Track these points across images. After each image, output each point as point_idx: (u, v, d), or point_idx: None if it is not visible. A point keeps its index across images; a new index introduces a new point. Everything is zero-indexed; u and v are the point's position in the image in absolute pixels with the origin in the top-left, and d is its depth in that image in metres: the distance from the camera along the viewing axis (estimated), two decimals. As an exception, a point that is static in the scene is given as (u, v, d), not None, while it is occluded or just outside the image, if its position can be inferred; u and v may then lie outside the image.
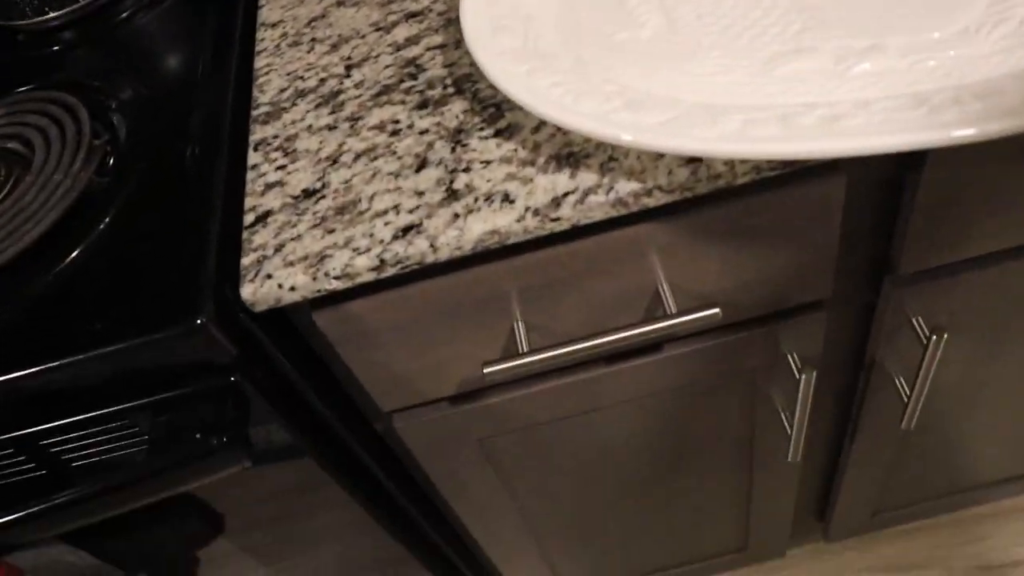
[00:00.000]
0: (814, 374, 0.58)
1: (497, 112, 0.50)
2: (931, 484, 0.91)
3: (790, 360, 0.62)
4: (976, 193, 0.51)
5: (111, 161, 0.55)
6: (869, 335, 0.64)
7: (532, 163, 0.47)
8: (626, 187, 0.45)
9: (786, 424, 0.66)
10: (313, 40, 0.60)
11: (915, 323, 0.61)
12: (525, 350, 0.51)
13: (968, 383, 0.73)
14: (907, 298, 0.59)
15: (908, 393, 0.64)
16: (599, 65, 0.49)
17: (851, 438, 0.77)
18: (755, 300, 0.55)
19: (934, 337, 0.58)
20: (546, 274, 0.49)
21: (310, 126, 0.54)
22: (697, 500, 0.81)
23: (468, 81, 0.52)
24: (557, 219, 0.45)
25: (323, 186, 0.50)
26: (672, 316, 0.50)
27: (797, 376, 0.60)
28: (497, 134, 0.49)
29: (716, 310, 0.49)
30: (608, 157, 0.46)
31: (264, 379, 0.51)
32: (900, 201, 0.52)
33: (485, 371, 0.49)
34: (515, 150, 0.48)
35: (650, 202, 0.45)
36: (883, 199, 0.54)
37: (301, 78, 0.57)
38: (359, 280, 0.46)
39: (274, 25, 0.62)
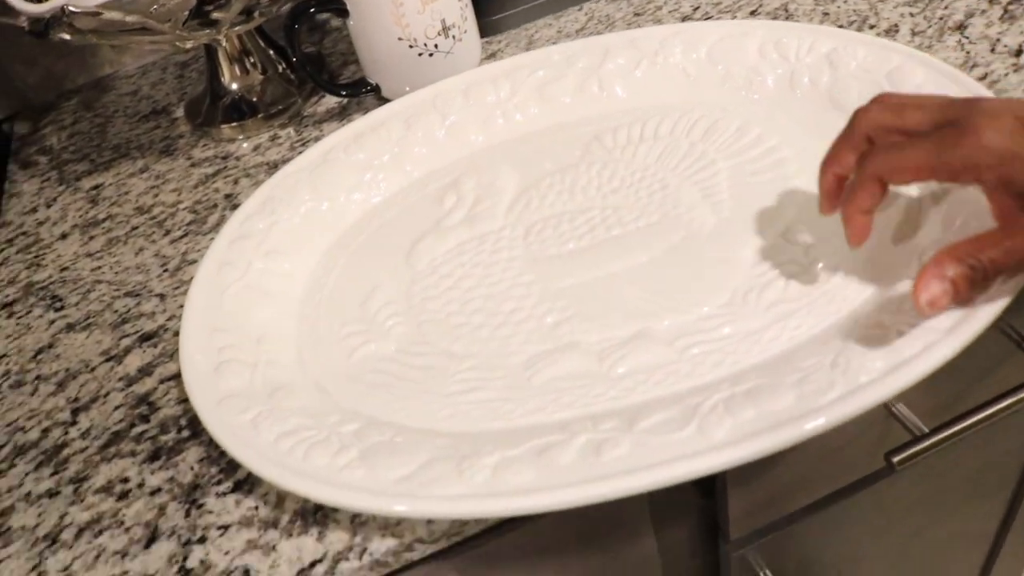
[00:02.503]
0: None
1: (235, 461, 0.43)
2: None
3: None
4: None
5: None
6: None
7: (275, 524, 0.40)
8: (382, 545, 0.38)
9: None
10: (38, 378, 0.52)
11: (762, 577, 0.56)
12: None
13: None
14: (748, 556, 0.54)
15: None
16: (340, 393, 0.43)
17: None
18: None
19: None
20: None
21: (28, 493, 0.45)
22: None
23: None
24: (307, 596, 0.38)
25: (38, 579, 0.41)
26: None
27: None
28: (236, 487, 0.42)
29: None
30: (357, 510, 0.39)
31: None
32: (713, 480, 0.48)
33: None
34: (256, 508, 0.41)
35: (413, 556, 0.39)
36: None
37: (22, 429, 0.49)
38: None
39: (-4, 363, 0.55)
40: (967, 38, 0.58)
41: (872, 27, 0.62)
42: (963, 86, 0.48)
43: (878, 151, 0.37)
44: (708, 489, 0.51)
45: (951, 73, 0.49)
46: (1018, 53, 0.56)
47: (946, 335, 0.36)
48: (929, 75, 0.50)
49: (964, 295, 0.34)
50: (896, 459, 0.46)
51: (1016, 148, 0.33)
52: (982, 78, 0.55)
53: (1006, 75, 0.54)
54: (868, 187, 0.38)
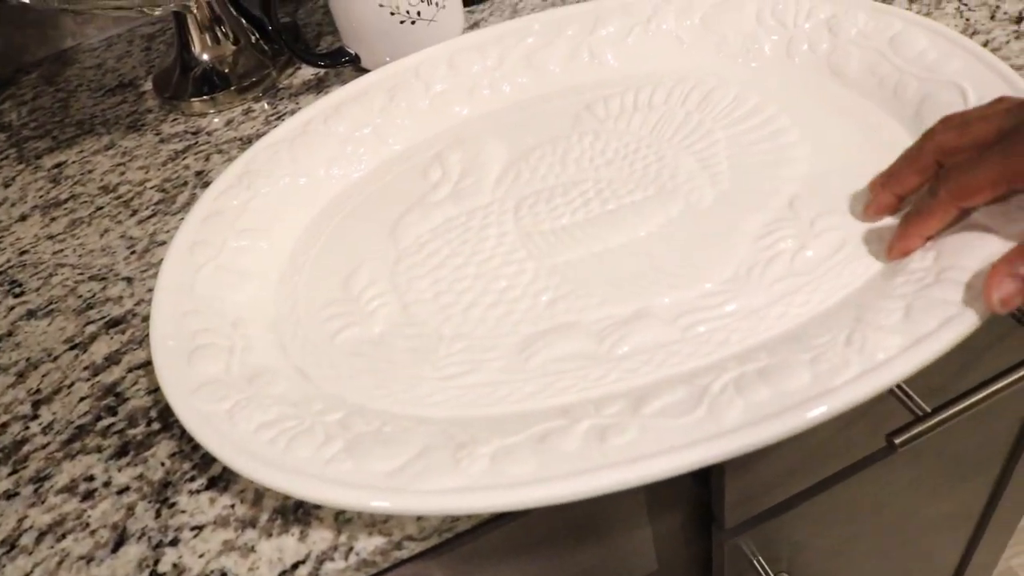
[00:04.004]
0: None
1: (209, 455, 0.40)
2: None
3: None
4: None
5: None
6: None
7: (253, 523, 0.37)
8: (369, 544, 0.36)
9: None
10: (-4, 368, 0.49)
11: (756, 564, 0.54)
12: None
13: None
14: (741, 544, 0.52)
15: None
16: (323, 379, 0.40)
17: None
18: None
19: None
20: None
21: (-15, 494, 0.42)
22: None
23: (174, 413, 0.42)
24: (289, 599, 0.35)
25: (-4, 587, 0.38)
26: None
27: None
28: (211, 484, 0.39)
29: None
30: (342, 506, 0.36)
31: None
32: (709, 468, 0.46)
33: None
34: (232, 506, 0.38)
35: (403, 555, 0.36)
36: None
37: (-21, 424, 0.46)
38: None
39: (-48, 351, 0.51)
40: (966, 5, 0.57)
41: (870, -7, 0.59)
42: (968, 51, 0.46)
43: (949, 175, 0.36)
44: (704, 477, 0.49)
45: (956, 38, 0.47)
46: (1019, 20, 0.54)
47: (963, 308, 0.34)
48: (933, 41, 0.48)
49: None
50: (898, 440, 0.44)
51: None
52: (983, 46, 0.53)
53: (1007, 43, 0.53)
54: (941, 214, 0.37)
